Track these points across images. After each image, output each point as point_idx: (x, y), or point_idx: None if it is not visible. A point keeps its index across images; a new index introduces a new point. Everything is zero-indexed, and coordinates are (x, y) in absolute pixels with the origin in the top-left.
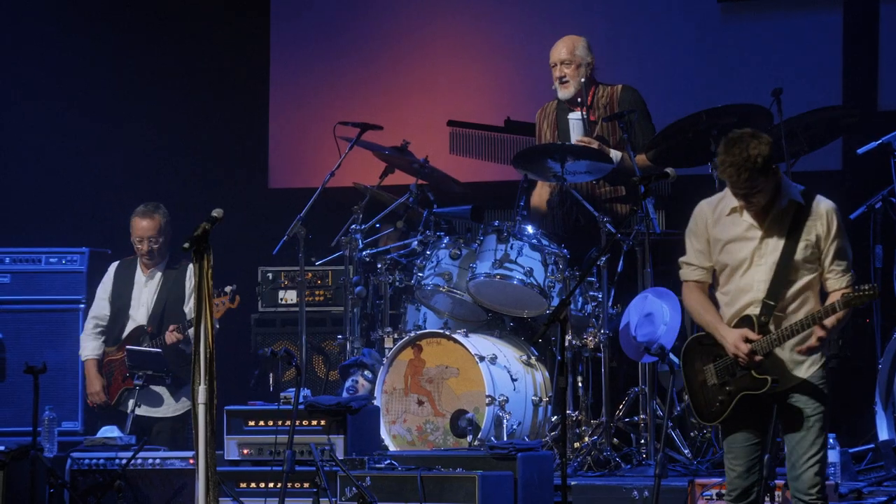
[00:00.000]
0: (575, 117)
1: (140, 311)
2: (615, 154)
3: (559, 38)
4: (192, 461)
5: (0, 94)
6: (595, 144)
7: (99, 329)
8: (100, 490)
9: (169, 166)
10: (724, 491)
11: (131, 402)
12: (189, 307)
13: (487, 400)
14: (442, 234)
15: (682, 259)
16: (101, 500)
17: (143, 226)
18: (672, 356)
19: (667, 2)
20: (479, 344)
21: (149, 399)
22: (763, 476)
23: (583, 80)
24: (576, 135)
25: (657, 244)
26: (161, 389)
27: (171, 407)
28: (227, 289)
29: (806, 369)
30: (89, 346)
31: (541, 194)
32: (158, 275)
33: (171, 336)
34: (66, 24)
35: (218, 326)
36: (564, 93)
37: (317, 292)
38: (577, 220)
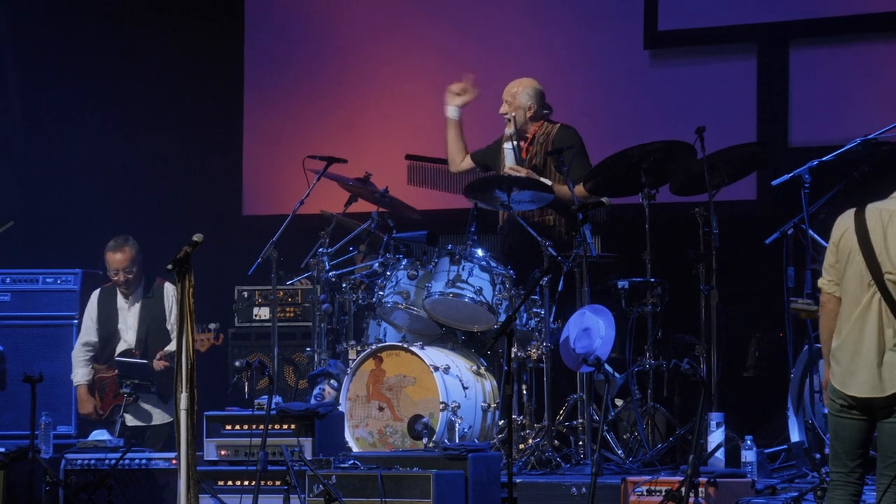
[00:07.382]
0: (508, 147)
1: (129, 334)
2: (546, 182)
3: (505, 79)
4: (174, 461)
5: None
6: (523, 173)
7: (90, 355)
8: (91, 488)
9: (151, 195)
10: (653, 487)
11: (121, 411)
12: (171, 323)
13: (441, 406)
14: (401, 256)
15: None
16: (93, 496)
17: (116, 259)
18: (607, 366)
19: (602, 50)
20: (434, 355)
21: (142, 411)
22: (689, 474)
23: (524, 118)
24: (508, 162)
25: (593, 266)
26: (152, 401)
27: (163, 416)
28: (212, 326)
29: None
30: (80, 373)
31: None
32: (138, 301)
33: (158, 364)
34: (57, 57)
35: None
36: (507, 128)
37: (287, 309)
38: (512, 245)
